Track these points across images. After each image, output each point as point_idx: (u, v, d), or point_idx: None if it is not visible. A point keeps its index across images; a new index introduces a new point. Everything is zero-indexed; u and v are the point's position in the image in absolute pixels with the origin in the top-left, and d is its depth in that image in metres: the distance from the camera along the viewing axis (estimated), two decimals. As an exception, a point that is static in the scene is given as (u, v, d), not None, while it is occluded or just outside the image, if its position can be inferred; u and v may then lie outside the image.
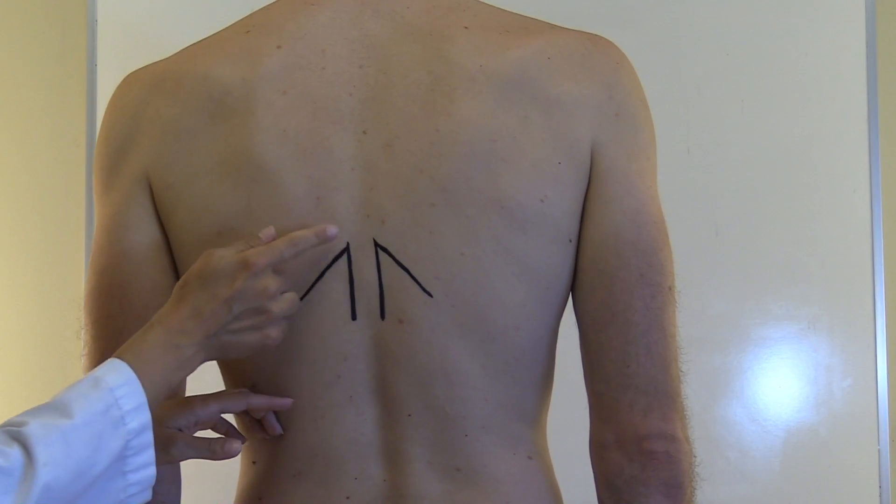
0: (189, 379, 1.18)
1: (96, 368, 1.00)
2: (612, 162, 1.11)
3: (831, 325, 2.17)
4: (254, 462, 1.17)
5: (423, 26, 1.12)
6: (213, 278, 1.03)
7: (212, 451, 1.10)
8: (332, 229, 1.06)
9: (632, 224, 1.10)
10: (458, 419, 1.11)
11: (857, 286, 2.16)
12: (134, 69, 1.21)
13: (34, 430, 0.92)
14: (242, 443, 1.12)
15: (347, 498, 1.12)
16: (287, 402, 1.11)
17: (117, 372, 0.99)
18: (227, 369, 1.17)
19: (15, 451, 0.91)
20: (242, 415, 1.15)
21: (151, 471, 1.00)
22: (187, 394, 1.18)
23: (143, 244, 1.13)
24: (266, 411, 1.12)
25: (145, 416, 0.99)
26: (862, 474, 2.14)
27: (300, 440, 1.12)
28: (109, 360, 1.00)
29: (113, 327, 1.13)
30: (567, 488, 1.19)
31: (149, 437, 0.99)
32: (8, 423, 0.94)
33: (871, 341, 2.15)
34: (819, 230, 2.17)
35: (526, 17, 1.17)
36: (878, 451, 2.14)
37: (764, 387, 2.17)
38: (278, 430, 1.12)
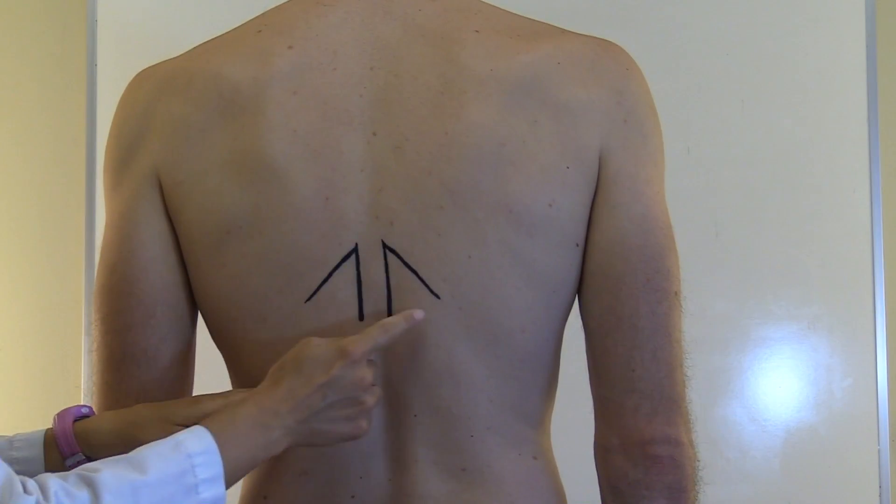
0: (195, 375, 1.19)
1: (181, 432, 0.99)
2: (620, 167, 1.11)
3: (831, 325, 2.17)
4: (259, 461, 1.17)
5: (435, 29, 1.12)
6: (310, 364, 1.03)
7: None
8: (419, 313, 1.06)
9: (639, 229, 1.10)
10: (463, 420, 1.11)
11: (857, 286, 2.17)
12: (134, 69, 1.21)
13: (105, 478, 0.92)
14: None
15: (352, 497, 1.12)
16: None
17: (199, 439, 0.98)
18: (233, 369, 1.18)
19: (83, 495, 0.91)
20: None
21: None
22: (195, 391, 1.18)
23: (152, 241, 1.14)
24: None
25: (220, 489, 0.98)
26: (862, 474, 2.14)
27: (306, 440, 1.13)
28: (196, 426, 1.00)
29: (122, 323, 1.13)
30: (571, 489, 1.19)
31: None
32: (82, 469, 0.94)
33: (871, 341, 2.16)
34: (819, 230, 2.18)
35: (536, 21, 1.17)
36: (878, 451, 2.14)
37: (764, 387, 2.18)
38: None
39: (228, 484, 0.99)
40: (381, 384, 1.10)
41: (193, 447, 0.97)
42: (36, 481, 0.91)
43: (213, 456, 0.97)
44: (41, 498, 0.89)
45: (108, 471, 0.93)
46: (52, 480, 0.91)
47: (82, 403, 1.13)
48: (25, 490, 0.89)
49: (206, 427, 0.99)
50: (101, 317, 1.15)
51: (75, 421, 1.10)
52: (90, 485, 0.91)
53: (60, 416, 1.10)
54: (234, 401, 1.04)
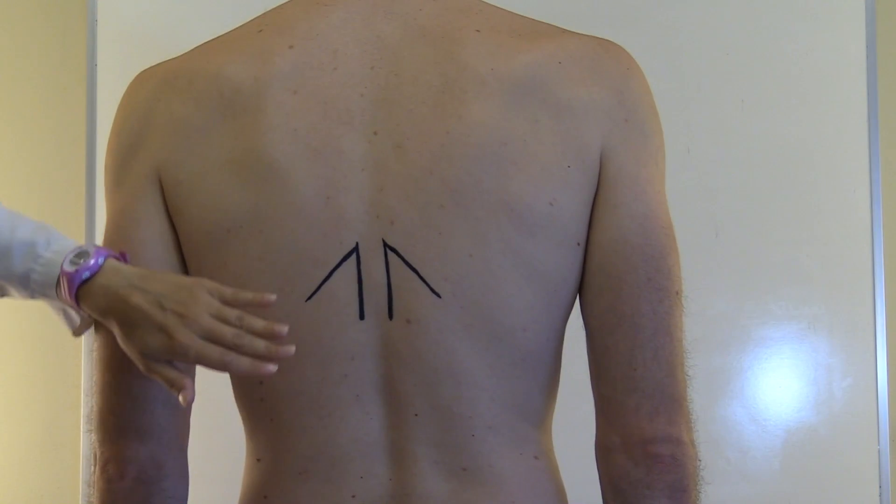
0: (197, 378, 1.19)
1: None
2: (621, 167, 1.11)
3: (831, 325, 2.17)
4: (259, 460, 1.17)
5: (435, 29, 1.12)
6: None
7: (170, 382, 1.07)
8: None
9: (640, 229, 1.10)
10: (464, 419, 1.11)
11: (857, 286, 2.17)
12: (134, 69, 1.21)
13: None
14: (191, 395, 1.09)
15: (353, 496, 1.12)
16: (271, 298, 1.07)
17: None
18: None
19: None
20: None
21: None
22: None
23: (152, 240, 1.14)
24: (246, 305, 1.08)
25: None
26: (862, 474, 2.15)
27: (306, 438, 1.12)
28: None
29: None
30: (572, 489, 1.19)
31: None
32: None
33: (871, 341, 2.16)
34: (819, 230, 2.18)
35: (537, 21, 1.17)
36: (878, 451, 2.14)
37: (764, 387, 2.18)
38: (271, 369, 1.06)
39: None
40: (381, 381, 1.10)
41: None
42: None
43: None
44: None
45: None
46: None
47: (103, 248, 1.14)
48: None
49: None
50: (100, 316, 1.15)
51: (81, 285, 1.11)
52: None
53: (70, 279, 1.12)
54: None
